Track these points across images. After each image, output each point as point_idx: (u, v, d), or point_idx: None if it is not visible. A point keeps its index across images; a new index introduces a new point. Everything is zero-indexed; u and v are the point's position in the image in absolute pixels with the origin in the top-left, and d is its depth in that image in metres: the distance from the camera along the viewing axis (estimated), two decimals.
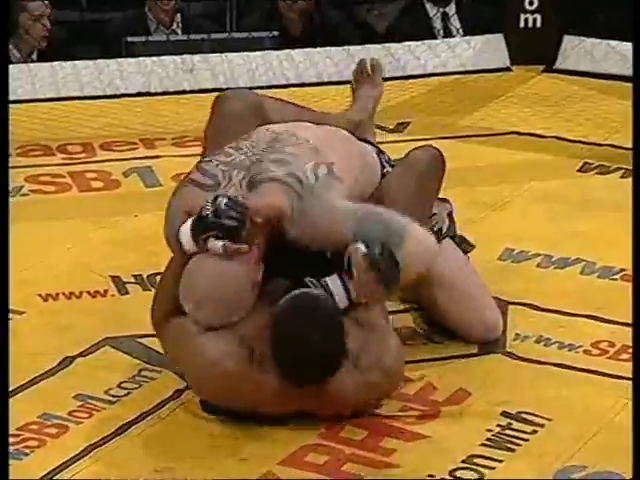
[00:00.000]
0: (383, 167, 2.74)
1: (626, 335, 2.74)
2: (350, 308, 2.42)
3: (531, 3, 4.76)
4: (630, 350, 2.68)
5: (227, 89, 4.55)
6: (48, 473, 2.28)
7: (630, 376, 2.55)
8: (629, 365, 2.62)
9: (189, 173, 2.61)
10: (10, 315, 2.83)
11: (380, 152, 2.80)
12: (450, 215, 2.80)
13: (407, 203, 2.56)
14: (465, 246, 2.84)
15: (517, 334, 2.78)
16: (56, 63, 4.56)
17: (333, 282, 2.42)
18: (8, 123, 2.81)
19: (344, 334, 2.34)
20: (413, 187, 2.63)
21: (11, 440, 2.36)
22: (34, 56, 4.97)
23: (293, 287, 2.39)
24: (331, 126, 2.75)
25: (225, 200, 2.38)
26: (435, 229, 2.72)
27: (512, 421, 2.44)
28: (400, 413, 2.46)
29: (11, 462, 2.30)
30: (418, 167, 2.68)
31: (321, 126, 2.72)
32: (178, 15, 5.13)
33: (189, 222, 2.41)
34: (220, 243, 2.37)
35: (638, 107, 3.52)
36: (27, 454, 2.34)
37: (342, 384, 2.35)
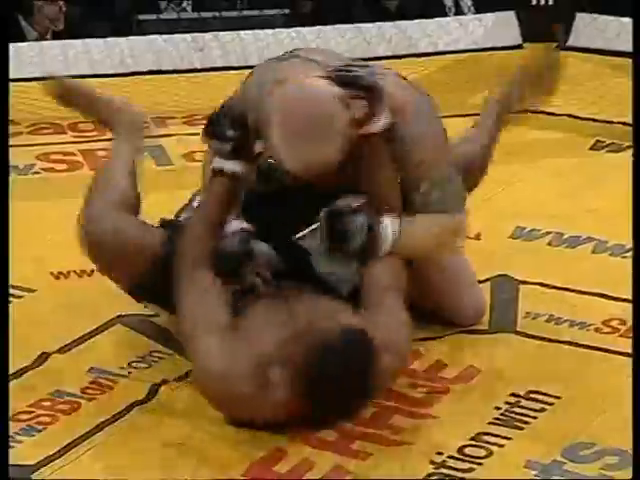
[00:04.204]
0: None
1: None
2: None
3: None
4: None
5: (239, 67, 4.57)
6: (60, 449, 2.30)
7: None
8: None
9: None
10: (22, 293, 2.85)
11: None
12: None
13: None
14: None
15: (528, 312, 2.78)
16: (67, 41, 4.57)
17: (391, 224, 2.34)
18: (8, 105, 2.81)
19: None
20: None
21: (24, 417, 2.38)
22: (48, 36, 4.99)
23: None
24: None
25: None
26: None
27: (521, 399, 2.44)
28: (409, 390, 2.46)
29: (23, 439, 2.32)
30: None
31: None
32: None
33: None
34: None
35: (638, 88, 3.50)
36: (40, 430, 2.35)
37: None
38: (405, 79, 2.50)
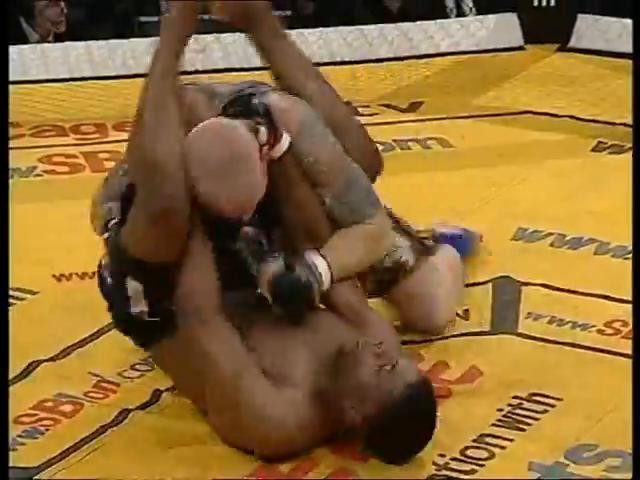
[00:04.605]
0: None
1: None
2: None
3: None
4: None
5: (240, 69, 4.58)
6: (62, 452, 2.30)
7: None
8: None
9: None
10: (24, 295, 2.86)
11: None
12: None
13: None
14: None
15: (529, 314, 2.78)
16: (69, 43, 4.57)
17: (320, 264, 2.34)
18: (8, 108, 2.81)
19: None
20: None
21: (26, 419, 2.38)
22: (50, 38, 4.99)
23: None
24: None
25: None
26: (402, 260, 2.62)
27: (523, 401, 2.44)
28: None
29: (26, 441, 2.33)
30: None
31: None
32: None
33: None
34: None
35: (638, 88, 3.50)
36: (42, 433, 2.35)
37: None
38: (286, 93, 2.47)
